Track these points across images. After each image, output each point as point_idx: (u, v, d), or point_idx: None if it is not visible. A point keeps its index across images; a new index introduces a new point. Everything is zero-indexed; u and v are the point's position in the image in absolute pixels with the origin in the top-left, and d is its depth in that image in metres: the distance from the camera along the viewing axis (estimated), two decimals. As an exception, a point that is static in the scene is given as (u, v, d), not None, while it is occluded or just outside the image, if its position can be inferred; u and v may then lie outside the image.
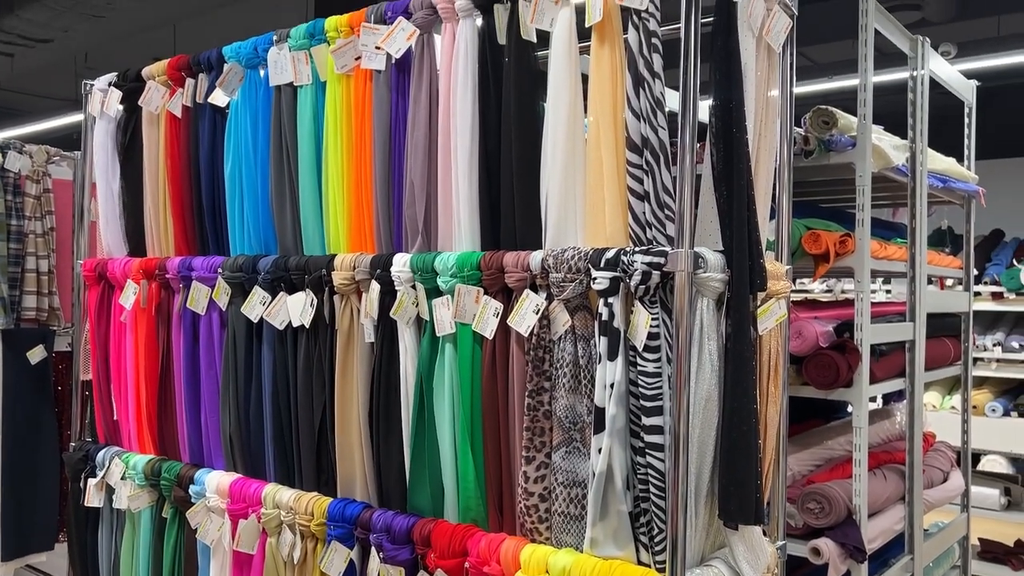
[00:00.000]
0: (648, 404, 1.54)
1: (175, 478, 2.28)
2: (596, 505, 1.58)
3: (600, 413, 1.57)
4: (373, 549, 1.86)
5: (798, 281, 6.13)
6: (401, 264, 1.87)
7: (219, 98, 2.26)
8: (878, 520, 2.78)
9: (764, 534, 1.79)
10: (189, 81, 2.35)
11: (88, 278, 2.59)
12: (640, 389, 1.55)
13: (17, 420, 3.29)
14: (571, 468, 1.65)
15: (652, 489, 1.55)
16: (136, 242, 2.52)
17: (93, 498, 2.47)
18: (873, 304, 2.88)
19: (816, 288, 6.45)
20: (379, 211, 1.97)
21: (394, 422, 1.91)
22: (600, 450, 1.57)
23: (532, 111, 1.74)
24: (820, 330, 2.70)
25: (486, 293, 1.76)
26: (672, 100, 1.64)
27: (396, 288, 1.88)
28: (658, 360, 1.55)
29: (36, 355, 3.40)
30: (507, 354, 1.74)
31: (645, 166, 1.59)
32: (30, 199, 3.45)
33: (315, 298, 2.02)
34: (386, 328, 1.92)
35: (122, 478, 2.40)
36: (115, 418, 2.52)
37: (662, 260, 1.52)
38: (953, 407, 5.36)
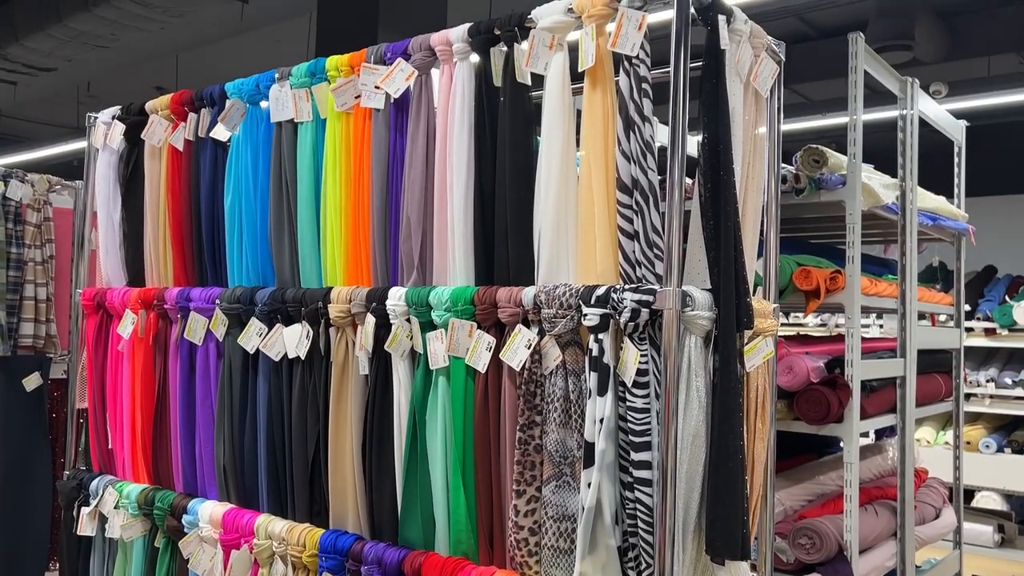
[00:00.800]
0: (636, 439, 1.57)
1: (168, 507, 2.29)
2: (585, 539, 1.59)
3: (590, 448, 1.60)
4: (364, 581, 1.87)
5: (792, 315, 6.17)
6: (396, 298, 1.90)
7: (221, 133, 2.31)
8: (870, 556, 2.79)
9: (752, 569, 1.80)
10: (191, 115, 2.40)
11: (87, 307, 2.62)
12: (629, 424, 1.58)
13: (11, 447, 3.29)
14: (561, 502, 1.67)
15: (640, 524, 1.57)
16: (135, 272, 2.56)
17: (86, 527, 2.47)
18: (865, 340, 2.91)
19: (810, 322, 6.49)
20: (376, 245, 2.00)
21: (387, 454, 1.93)
22: (589, 484, 1.59)
23: (526, 150, 1.79)
24: (811, 365, 2.73)
25: (479, 327, 1.79)
26: (663, 134, 1.68)
27: (391, 321, 1.91)
28: (647, 396, 1.57)
29: (32, 382, 3.41)
30: (499, 388, 1.76)
31: (635, 206, 1.63)
32: (30, 227, 3.48)
33: (311, 330, 2.05)
34: (381, 361, 1.95)
35: (115, 507, 2.40)
36: (110, 447, 2.54)
37: (651, 298, 1.56)
38: (947, 443, 5.37)
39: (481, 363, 1.77)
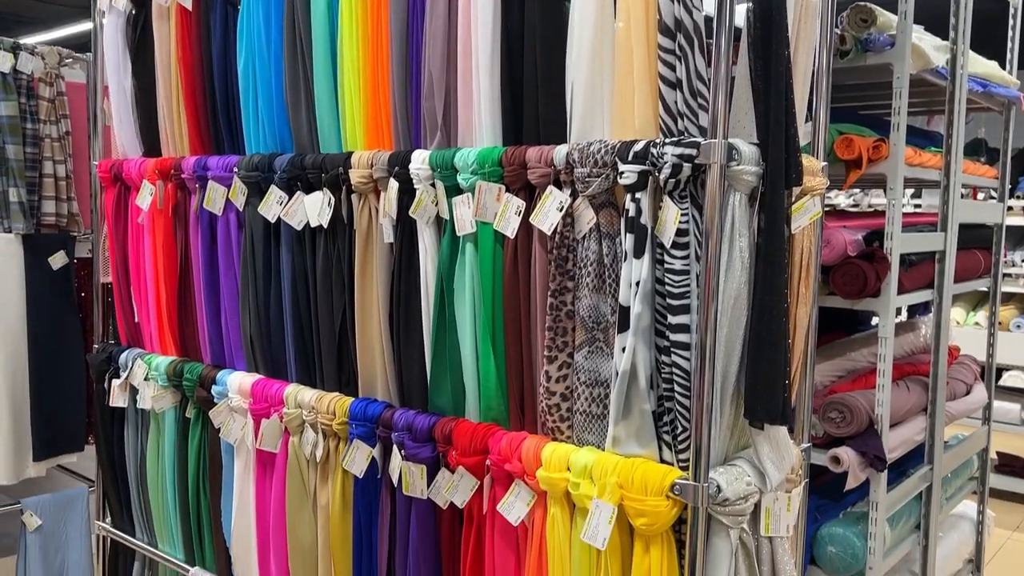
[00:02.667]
0: (675, 303, 1.50)
1: (197, 379, 2.29)
2: (619, 404, 1.56)
3: (624, 312, 1.53)
4: (395, 447, 1.87)
5: (834, 192, 6.00)
6: (420, 161, 1.81)
7: (231, -10, 2.17)
8: (900, 430, 2.77)
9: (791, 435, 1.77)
10: (200, -28, 2.26)
11: (104, 179, 2.55)
12: (667, 287, 1.51)
13: (42, 324, 3.31)
14: (593, 368, 1.62)
15: (677, 388, 1.52)
16: (151, 142, 2.47)
17: (117, 398, 2.49)
18: (904, 215, 2.80)
19: (843, 201, 6.32)
20: (396, 105, 1.90)
21: (414, 323, 1.88)
22: (624, 349, 1.54)
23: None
24: (849, 239, 2.64)
25: (508, 190, 1.70)
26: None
27: (415, 186, 1.82)
28: (686, 257, 1.50)
29: (58, 260, 3.40)
30: (529, 253, 1.69)
31: (678, 51, 1.51)
32: (44, 102, 3.39)
33: (332, 197, 1.97)
34: (405, 228, 1.88)
35: (145, 379, 2.41)
36: (136, 321, 2.53)
37: (694, 152, 1.45)
38: (977, 323, 5.30)
39: (510, 228, 1.69)
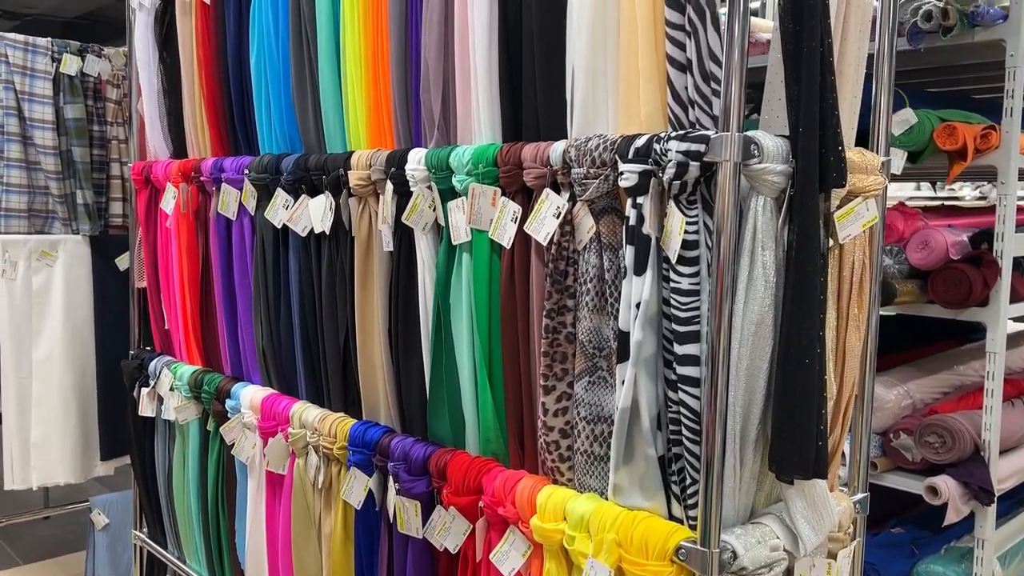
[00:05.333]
0: (681, 329, 1.24)
1: (215, 391, 2.19)
2: (619, 446, 1.31)
3: (624, 338, 1.29)
4: (391, 478, 1.69)
5: (943, 187, 5.39)
6: (416, 161, 1.62)
7: (242, -20, 2.04)
8: (1012, 458, 2.40)
9: (840, 485, 1.48)
10: (215, -38, 2.14)
11: (137, 182, 2.50)
12: (672, 310, 1.25)
13: (109, 325, 3.34)
14: (595, 401, 1.38)
15: (684, 431, 1.27)
16: (179, 143, 2.39)
17: (146, 408, 2.43)
18: (1019, 211, 2.42)
19: (968, 195, 5.68)
20: (396, 99, 1.71)
21: (413, 341, 1.69)
22: (624, 382, 1.29)
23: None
24: (951, 240, 2.29)
25: (503, 194, 1.48)
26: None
27: (411, 189, 1.63)
28: (695, 275, 1.24)
29: (124, 262, 3.41)
30: (527, 267, 1.47)
31: (688, 26, 1.24)
32: (111, 104, 3.41)
33: (334, 201, 1.81)
34: (405, 236, 1.69)
35: (170, 389, 2.34)
36: (166, 327, 2.46)
37: (702, 147, 1.19)
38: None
39: (506, 237, 1.47)
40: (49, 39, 3.12)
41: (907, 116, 2.22)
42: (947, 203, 4.25)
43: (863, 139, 1.49)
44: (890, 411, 2.38)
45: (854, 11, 1.36)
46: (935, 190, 5.22)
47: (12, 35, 3.03)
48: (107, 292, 3.36)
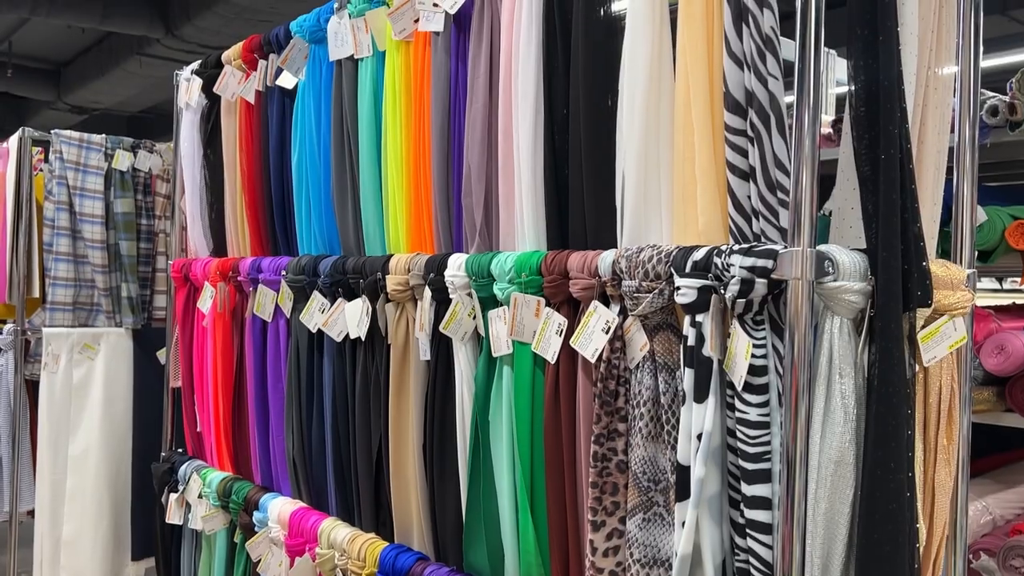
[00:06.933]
0: (750, 466, 1.10)
1: (243, 501, 2.07)
2: (679, 598, 1.16)
3: (684, 473, 1.15)
4: (422, 615, 1.54)
5: (1008, 280, 5.13)
6: (456, 267, 1.52)
7: (286, 80, 2.02)
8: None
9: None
10: (261, 63, 2.13)
11: (176, 279, 2.45)
12: (739, 444, 1.11)
13: (148, 420, 3.28)
14: (651, 541, 1.23)
15: (754, 585, 1.11)
16: (219, 241, 2.35)
17: (174, 514, 2.32)
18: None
19: (1045, 290, 5.38)
20: (437, 202, 1.63)
21: (450, 460, 1.57)
22: (684, 524, 1.14)
23: (606, 69, 1.34)
24: (1030, 343, 2.11)
25: (548, 305, 1.37)
26: (788, 50, 1.17)
27: (451, 296, 1.53)
28: (764, 404, 1.10)
29: (165, 355, 3.38)
30: (573, 385, 1.34)
31: (750, 131, 1.14)
32: (160, 198, 3.43)
33: (371, 306, 1.72)
34: (443, 344, 1.58)
35: (199, 496, 2.23)
36: (198, 429, 2.37)
37: (770, 263, 1.07)
38: None
39: (551, 351, 1.36)
40: (104, 135, 3.16)
41: (977, 214, 2.09)
42: (1018, 302, 4.03)
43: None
44: (968, 528, 2.16)
45: (931, 112, 1.25)
46: (1000, 284, 4.97)
47: (68, 132, 3.08)
48: (147, 386, 3.31)
